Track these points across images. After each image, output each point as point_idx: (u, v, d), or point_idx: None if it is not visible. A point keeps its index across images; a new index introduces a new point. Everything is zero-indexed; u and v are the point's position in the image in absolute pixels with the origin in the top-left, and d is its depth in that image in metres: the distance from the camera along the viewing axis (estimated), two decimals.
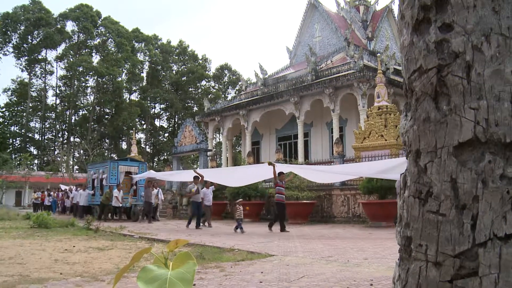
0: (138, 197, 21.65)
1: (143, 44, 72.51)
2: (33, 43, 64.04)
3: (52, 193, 35.25)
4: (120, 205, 20.27)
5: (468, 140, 1.18)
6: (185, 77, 73.67)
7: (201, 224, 15.77)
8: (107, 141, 70.38)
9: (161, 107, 76.15)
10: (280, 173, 13.86)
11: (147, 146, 72.24)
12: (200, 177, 15.78)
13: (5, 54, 63.16)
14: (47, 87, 67.63)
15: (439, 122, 1.23)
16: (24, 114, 64.02)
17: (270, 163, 14.02)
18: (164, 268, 1.10)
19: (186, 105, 74.23)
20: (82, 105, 68.36)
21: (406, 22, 1.37)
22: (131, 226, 16.35)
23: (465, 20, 1.21)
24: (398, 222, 1.40)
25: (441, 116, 1.23)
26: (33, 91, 65.84)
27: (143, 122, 73.88)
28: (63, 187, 34.19)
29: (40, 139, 67.16)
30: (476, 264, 1.13)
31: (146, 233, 12.84)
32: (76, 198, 24.56)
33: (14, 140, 64.72)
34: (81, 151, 53.62)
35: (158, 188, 21.25)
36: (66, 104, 67.23)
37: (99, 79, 65.59)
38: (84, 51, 67.31)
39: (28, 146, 64.49)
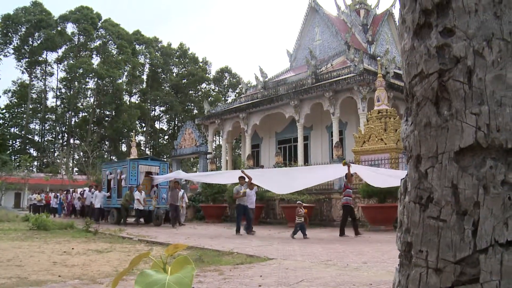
0: (159, 199, 20.12)
1: (143, 46, 72.63)
2: (33, 45, 64.14)
3: (59, 194, 32.70)
4: (143, 208, 18.73)
5: (469, 146, 1.17)
6: (185, 80, 73.77)
7: (243, 230, 14.27)
8: (107, 143, 70.41)
9: (161, 109, 76.26)
10: (352, 175, 13.33)
11: (147, 149, 72.25)
12: (248, 178, 14.31)
13: (6, 55, 63.29)
14: (47, 89, 67.77)
15: (440, 127, 1.23)
16: (24, 115, 64.05)
17: (345, 163, 13.16)
18: (162, 273, 1.09)
19: (186, 107, 74.33)
20: (82, 107, 68.40)
21: (407, 26, 1.36)
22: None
23: (467, 24, 1.20)
24: (398, 228, 1.39)
25: (442, 121, 1.22)
26: (33, 93, 65.93)
27: (143, 125, 73.97)
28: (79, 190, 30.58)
29: (40, 141, 67.18)
30: (477, 271, 1.12)
31: (145, 235, 12.82)
32: (89, 199, 22.76)
33: (14, 142, 64.73)
34: (81, 153, 53.60)
35: (182, 190, 19.67)
36: (66, 106, 67.28)
37: (99, 81, 65.63)
38: (84, 53, 67.39)
39: (27, 147, 64.48)
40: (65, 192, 31.59)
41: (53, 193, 33.95)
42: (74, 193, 28.05)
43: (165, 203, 19.49)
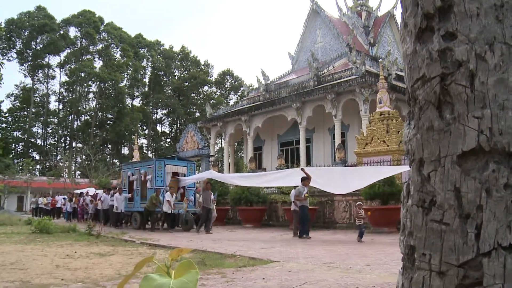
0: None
1: (145, 49, 72.80)
2: (36, 48, 64.34)
3: (73, 197, 28.39)
4: (172, 211, 17.08)
5: (472, 149, 1.18)
6: (187, 83, 73.88)
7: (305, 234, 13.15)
8: (109, 146, 70.50)
9: (163, 112, 76.36)
10: None
11: (149, 152, 72.32)
12: (308, 178, 13.23)
13: (9, 59, 63.51)
14: (49, 92, 67.96)
15: (442, 131, 1.23)
16: (27, 119, 64.21)
17: None
18: (166, 277, 1.09)
19: (188, 110, 74.38)
20: (84, 110, 68.55)
21: (409, 30, 1.37)
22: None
23: (469, 28, 1.20)
24: (401, 231, 1.39)
25: (445, 124, 1.23)
26: (36, 96, 66.08)
27: (145, 128, 74.03)
28: (91, 191, 27.53)
29: (42, 144, 67.28)
30: (480, 274, 1.13)
31: (148, 238, 12.82)
32: (107, 202, 20.60)
33: (17, 145, 64.89)
34: (83, 157, 53.69)
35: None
36: (69, 109, 67.45)
37: (101, 84, 65.81)
38: (86, 56, 67.58)
39: (30, 151, 64.66)
40: (78, 194, 28.15)
41: (66, 196, 30.49)
42: (86, 196, 25.87)
43: (193, 206, 18.29)
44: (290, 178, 14.52)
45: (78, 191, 29.18)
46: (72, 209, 27.82)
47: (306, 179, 13.19)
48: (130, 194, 19.38)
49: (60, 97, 68.99)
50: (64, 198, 30.42)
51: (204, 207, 16.17)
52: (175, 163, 19.27)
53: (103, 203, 21.26)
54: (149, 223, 17.80)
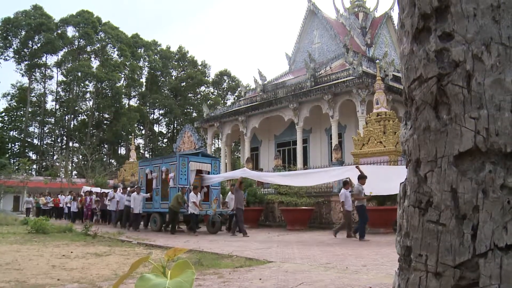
0: (210, 202, 17.27)
1: (142, 49, 72.71)
2: (33, 48, 64.18)
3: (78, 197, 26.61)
4: (199, 212, 15.83)
5: (469, 150, 1.18)
6: (184, 83, 73.81)
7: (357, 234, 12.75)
8: (106, 146, 70.36)
9: (160, 112, 76.25)
10: None
11: (146, 152, 72.20)
12: (363, 177, 12.43)
13: (6, 59, 63.32)
14: (46, 92, 67.81)
15: (439, 131, 1.23)
16: (23, 119, 64.02)
17: None
18: (162, 277, 1.09)
19: (185, 110, 74.32)
20: (81, 110, 68.43)
21: (406, 30, 1.37)
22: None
23: (465, 29, 1.20)
24: (397, 232, 1.39)
25: (441, 125, 1.23)
26: (32, 96, 65.91)
27: (142, 128, 73.91)
28: (94, 189, 26.51)
29: (39, 144, 67.11)
30: (476, 275, 1.13)
31: (144, 238, 12.80)
32: (123, 202, 19.07)
33: (13, 145, 64.67)
34: (80, 156, 53.54)
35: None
36: (65, 109, 67.30)
37: (98, 84, 65.69)
38: (83, 56, 67.45)
39: (27, 151, 64.42)
40: (83, 193, 26.50)
41: (69, 196, 28.38)
42: (92, 195, 24.69)
43: (219, 207, 17.16)
44: (343, 176, 13.90)
45: (86, 189, 27.28)
46: (77, 209, 26.11)
47: (362, 178, 12.49)
48: (149, 194, 18.09)
49: (57, 97, 68.84)
50: (70, 198, 27.99)
51: (238, 208, 15.01)
52: (199, 160, 17.77)
53: (119, 203, 19.91)
54: (168, 225, 16.53)
